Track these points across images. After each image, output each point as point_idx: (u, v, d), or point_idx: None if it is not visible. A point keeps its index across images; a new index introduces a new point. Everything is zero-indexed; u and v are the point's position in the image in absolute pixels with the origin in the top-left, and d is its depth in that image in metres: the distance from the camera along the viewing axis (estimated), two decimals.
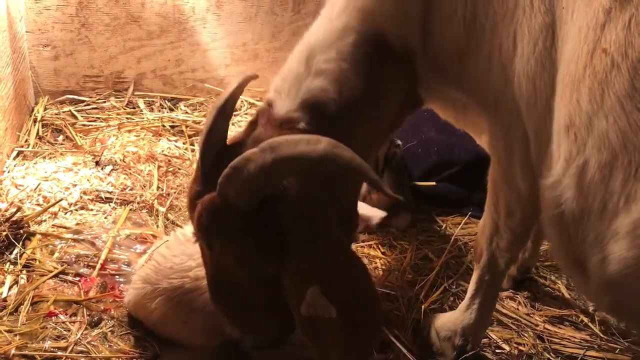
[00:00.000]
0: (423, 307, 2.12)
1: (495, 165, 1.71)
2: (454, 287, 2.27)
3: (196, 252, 1.83)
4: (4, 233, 2.23)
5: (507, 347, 2.03)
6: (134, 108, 3.34)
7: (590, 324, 2.17)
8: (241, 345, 1.89)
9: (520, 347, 2.04)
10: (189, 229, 2.01)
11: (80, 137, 3.01)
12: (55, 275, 2.16)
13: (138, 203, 2.58)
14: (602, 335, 2.12)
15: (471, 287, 1.91)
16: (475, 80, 1.58)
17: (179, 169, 2.84)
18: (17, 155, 2.82)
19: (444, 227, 2.64)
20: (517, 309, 2.22)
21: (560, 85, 1.31)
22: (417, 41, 1.64)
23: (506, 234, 1.75)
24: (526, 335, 2.09)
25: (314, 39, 1.65)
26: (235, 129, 2.92)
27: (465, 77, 1.61)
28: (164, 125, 3.18)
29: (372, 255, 2.42)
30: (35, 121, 3.08)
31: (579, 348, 2.06)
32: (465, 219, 2.65)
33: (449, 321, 1.95)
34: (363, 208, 2.22)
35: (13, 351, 1.83)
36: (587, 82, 1.20)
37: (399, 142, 2.68)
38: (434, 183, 2.77)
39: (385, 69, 1.64)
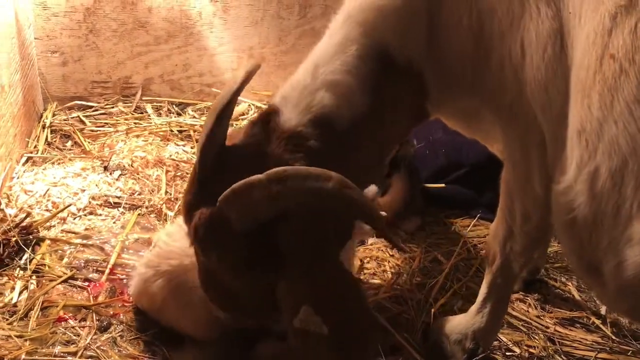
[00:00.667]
0: (432, 310, 2.11)
1: (511, 170, 1.69)
2: (464, 289, 2.26)
3: None
4: (14, 239, 2.24)
5: (517, 350, 2.01)
6: (141, 113, 3.35)
7: (601, 326, 2.15)
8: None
9: (531, 350, 2.02)
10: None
11: (89, 142, 3.02)
12: (65, 281, 2.16)
13: (146, 208, 2.58)
14: (613, 338, 2.10)
15: (483, 291, 1.90)
16: (491, 88, 1.57)
17: (187, 173, 2.84)
18: (27, 161, 2.83)
19: (452, 229, 2.63)
20: (528, 311, 2.21)
21: (573, 90, 1.30)
22: (423, 54, 1.63)
23: (522, 238, 1.73)
24: (537, 337, 2.08)
25: (319, 52, 1.65)
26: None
27: (480, 85, 1.59)
28: (171, 130, 3.19)
29: (380, 257, 2.41)
30: (44, 127, 3.10)
31: (591, 350, 2.04)
32: (474, 221, 2.64)
33: (459, 324, 1.94)
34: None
35: (23, 356, 1.83)
36: (597, 88, 1.20)
37: (414, 142, 2.65)
38: (442, 185, 2.76)
39: (391, 84, 1.64)
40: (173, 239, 1.95)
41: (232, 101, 1.56)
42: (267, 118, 1.60)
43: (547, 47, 1.37)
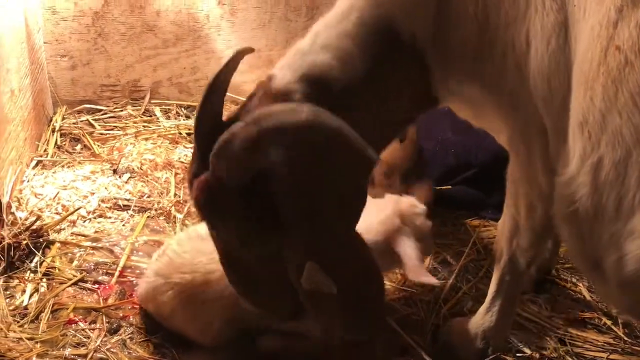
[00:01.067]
0: (442, 311, 2.10)
1: (515, 161, 1.69)
2: (473, 290, 2.25)
3: (206, 248, 1.83)
4: (24, 242, 2.26)
5: (528, 351, 2.00)
6: (150, 116, 3.36)
7: (613, 326, 2.13)
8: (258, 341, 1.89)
9: (542, 351, 2.01)
10: (200, 227, 2.02)
11: (98, 145, 3.04)
12: (75, 283, 2.17)
13: (155, 210, 2.59)
14: (625, 338, 2.08)
15: (491, 289, 1.89)
16: (491, 77, 1.57)
17: None
18: (37, 164, 2.85)
19: (462, 230, 2.62)
20: (538, 312, 2.19)
21: (575, 83, 1.30)
22: (428, 36, 1.62)
23: (527, 232, 1.72)
24: (548, 338, 2.06)
25: (323, 21, 1.65)
26: None
27: (481, 74, 1.60)
28: (180, 133, 3.20)
29: None
30: (53, 131, 3.12)
31: (602, 351, 2.02)
32: (484, 221, 2.63)
33: (469, 324, 1.93)
34: (410, 249, 1.84)
35: (34, 358, 1.85)
36: (601, 80, 1.19)
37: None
38: (449, 187, 2.74)
39: (393, 59, 1.62)
40: (183, 249, 1.95)
41: (224, 74, 1.57)
42: (263, 86, 1.60)
43: (552, 39, 1.37)
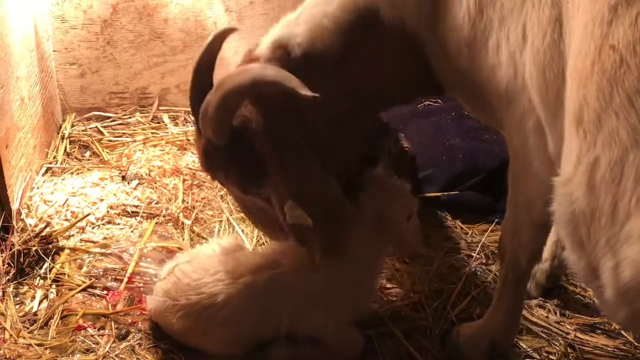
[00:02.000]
0: (450, 316, 2.10)
1: (513, 156, 1.69)
2: (482, 295, 2.24)
3: (213, 267, 1.88)
4: (34, 248, 2.27)
5: (537, 356, 1.99)
6: (158, 123, 3.38)
7: (623, 332, 2.11)
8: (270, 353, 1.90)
9: (551, 357, 2.00)
10: (208, 246, 2.06)
11: (107, 152, 3.05)
12: (84, 289, 2.19)
13: (164, 216, 2.60)
14: (636, 344, 2.06)
15: (497, 290, 1.89)
16: (485, 69, 1.58)
17: (204, 182, 2.86)
18: (46, 171, 2.87)
19: (470, 234, 2.61)
20: (547, 317, 2.18)
21: (569, 78, 1.28)
22: (423, 24, 1.70)
23: (527, 227, 1.72)
24: (557, 344, 2.05)
25: (314, 1, 1.82)
26: None
27: (476, 66, 1.61)
28: (188, 139, 3.21)
29: (396, 266, 2.39)
30: (62, 138, 3.14)
31: (612, 357, 2.01)
32: (492, 226, 2.62)
33: (476, 328, 1.92)
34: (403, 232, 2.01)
35: None
36: (595, 79, 1.17)
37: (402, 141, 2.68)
38: (456, 192, 2.74)
39: (375, 41, 1.76)
40: (192, 268, 1.93)
41: (207, 55, 1.84)
42: (248, 52, 1.83)
43: (547, 33, 1.36)
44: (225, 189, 2.28)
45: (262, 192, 1.81)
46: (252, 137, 1.71)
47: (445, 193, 2.74)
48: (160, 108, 3.47)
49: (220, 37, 1.88)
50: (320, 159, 1.77)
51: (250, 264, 1.90)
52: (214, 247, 2.04)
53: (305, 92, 1.54)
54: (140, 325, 2.04)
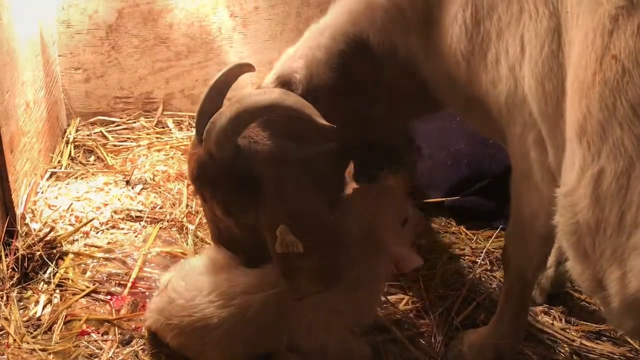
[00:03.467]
0: (455, 322, 2.09)
1: (515, 168, 1.68)
2: (487, 301, 2.23)
3: (205, 287, 1.85)
4: (38, 253, 2.27)
5: None
6: (163, 128, 3.38)
7: (629, 339, 2.10)
8: None
9: None
10: (197, 259, 2.03)
11: (111, 157, 3.06)
12: (88, 294, 2.18)
13: (168, 221, 2.60)
14: None
15: (501, 299, 1.88)
16: (485, 82, 1.57)
17: None
18: (51, 176, 2.87)
19: (474, 240, 2.60)
20: (552, 323, 2.17)
21: (570, 90, 1.27)
22: (415, 45, 1.74)
23: (531, 238, 1.71)
24: (562, 351, 2.04)
25: (311, 30, 1.90)
26: None
27: (474, 80, 1.60)
28: None
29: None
30: (67, 142, 3.15)
31: None
32: (497, 232, 2.61)
33: (481, 335, 1.91)
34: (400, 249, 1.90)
35: None
36: (597, 89, 1.16)
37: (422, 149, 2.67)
38: (457, 197, 2.73)
39: (366, 67, 1.81)
40: (186, 286, 1.89)
41: (224, 77, 1.91)
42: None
43: (545, 44, 1.36)
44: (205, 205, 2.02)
45: (242, 217, 1.81)
46: (254, 158, 1.73)
47: (449, 198, 2.74)
48: (165, 113, 3.48)
49: (237, 70, 1.98)
50: (319, 184, 1.77)
51: (245, 284, 1.84)
52: (205, 262, 1.97)
53: (322, 121, 1.61)
54: (144, 330, 2.03)
